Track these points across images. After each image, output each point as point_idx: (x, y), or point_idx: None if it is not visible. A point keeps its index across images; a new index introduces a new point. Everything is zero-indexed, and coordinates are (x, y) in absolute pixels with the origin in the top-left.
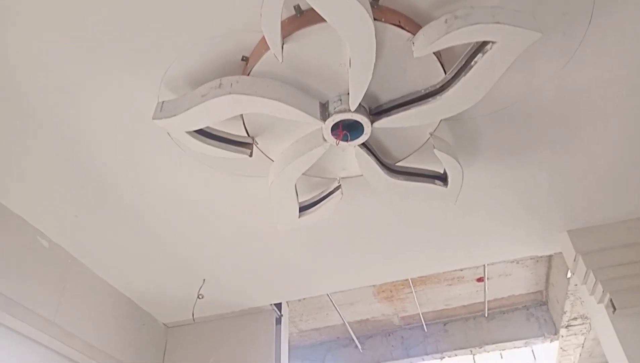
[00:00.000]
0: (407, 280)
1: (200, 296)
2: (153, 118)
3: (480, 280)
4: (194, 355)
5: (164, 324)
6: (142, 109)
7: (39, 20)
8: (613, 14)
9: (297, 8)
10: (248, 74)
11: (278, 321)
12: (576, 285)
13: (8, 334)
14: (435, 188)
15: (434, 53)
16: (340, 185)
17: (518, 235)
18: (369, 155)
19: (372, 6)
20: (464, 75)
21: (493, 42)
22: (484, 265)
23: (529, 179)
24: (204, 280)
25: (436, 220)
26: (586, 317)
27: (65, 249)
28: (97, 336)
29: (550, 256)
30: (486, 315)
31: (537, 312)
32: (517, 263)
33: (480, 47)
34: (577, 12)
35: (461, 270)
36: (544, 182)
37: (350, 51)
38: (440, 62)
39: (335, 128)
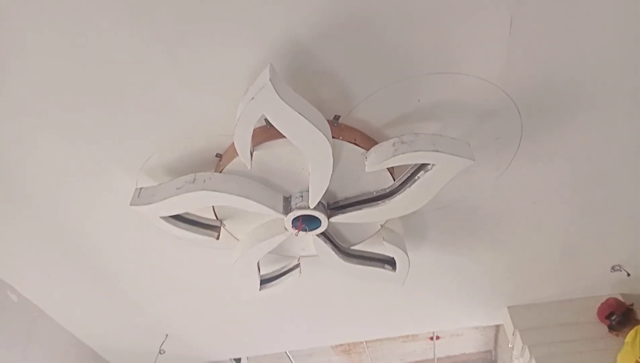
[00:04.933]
0: None
1: (162, 352)
2: (130, 204)
3: (432, 338)
4: None
5: None
6: (120, 189)
7: (31, 111)
8: (538, 141)
9: (267, 121)
10: (221, 171)
11: None
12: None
13: None
14: (385, 271)
15: None
16: (299, 264)
17: (464, 310)
18: (325, 243)
19: (332, 123)
20: (409, 186)
21: (433, 165)
22: None
23: (472, 266)
24: (167, 335)
25: (388, 296)
26: None
27: (34, 302)
28: None
29: None
30: None
31: None
32: None
33: (423, 165)
34: (507, 137)
35: None
36: (485, 268)
37: (310, 164)
38: (390, 171)
39: (295, 221)
